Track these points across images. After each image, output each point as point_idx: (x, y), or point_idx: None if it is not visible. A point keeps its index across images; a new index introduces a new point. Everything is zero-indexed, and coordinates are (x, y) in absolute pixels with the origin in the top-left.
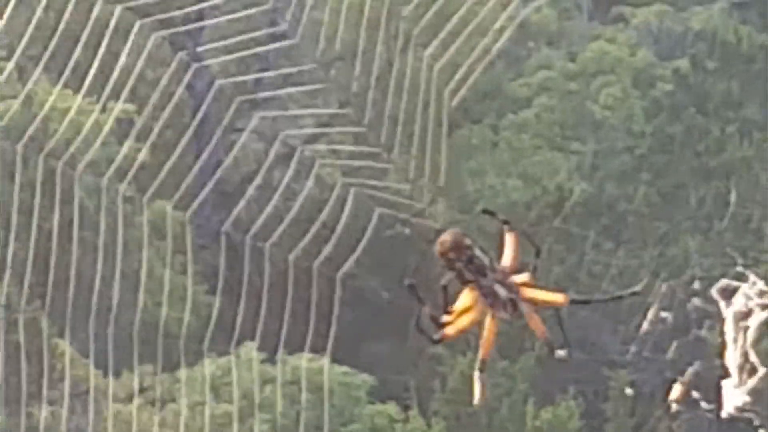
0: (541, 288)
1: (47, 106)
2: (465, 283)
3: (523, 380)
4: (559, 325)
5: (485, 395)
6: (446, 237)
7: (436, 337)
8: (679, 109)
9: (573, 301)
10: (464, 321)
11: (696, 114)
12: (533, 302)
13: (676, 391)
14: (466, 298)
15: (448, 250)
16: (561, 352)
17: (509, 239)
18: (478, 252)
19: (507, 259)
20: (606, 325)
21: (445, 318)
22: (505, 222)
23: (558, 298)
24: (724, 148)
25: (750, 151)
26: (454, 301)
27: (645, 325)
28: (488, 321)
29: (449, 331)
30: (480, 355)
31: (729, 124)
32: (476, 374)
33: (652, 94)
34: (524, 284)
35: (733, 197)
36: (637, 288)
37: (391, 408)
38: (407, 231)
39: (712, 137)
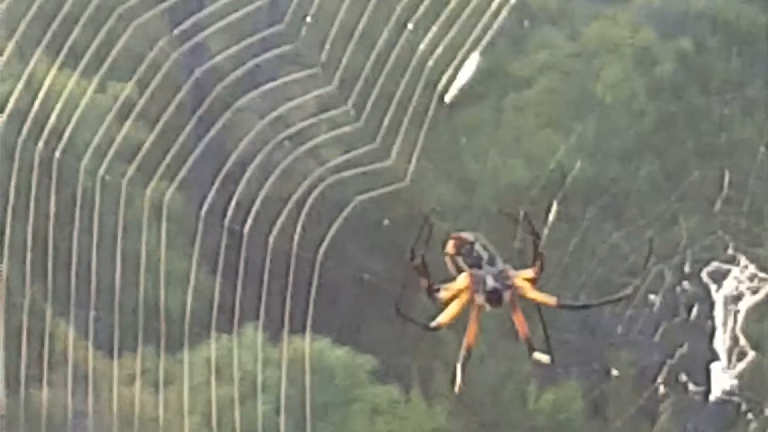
0: (537, 289)
1: (46, 86)
2: (460, 271)
3: (525, 361)
4: (543, 331)
5: (464, 384)
6: (450, 242)
7: (432, 324)
8: (680, 88)
9: (562, 306)
10: (455, 306)
11: (698, 94)
12: (525, 299)
13: (665, 373)
14: (461, 279)
15: (450, 248)
16: (543, 357)
17: (536, 267)
18: (478, 247)
19: (525, 272)
20: (607, 306)
21: (442, 294)
22: (527, 219)
23: (549, 300)
24: (726, 128)
25: (752, 130)
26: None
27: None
28: (473, 312)
29: (442, 319)
30: (464, 343)
31: (731, 104)
32: (459, 364)
33: (654, 74)
34: (525, 279)
35: (726, 179)
36: (628, 291)
37: (393, 389)
38: (386, 222)
39: (714, 117)
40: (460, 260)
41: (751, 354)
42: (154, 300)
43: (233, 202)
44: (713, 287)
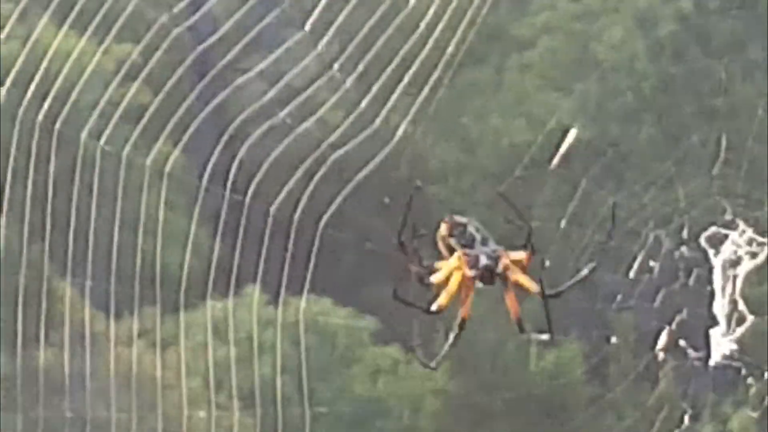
0: (525, 273)
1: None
2: (452, 253)
3: (526, 322)
4: (545, 311)
5: (443, 360)
6: (444, 225)
7: (433, 308)
8: (681, 49)
9: (543, 295)
10: (452, 285)
11: (699, 55)
12: (515, 282)
13: (663, 339)
14: (454, 259)
15: (443, 232)
16: (543, 335)
17: (528, 251)
18: (471, 228)
19: (516, 254)
20: (608, 267)
21: (434, 278)
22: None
23: (532, 286)
24: (727, 89)
25: (752, 92)
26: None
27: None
28: (464, 287)
29: (442, 300)
30: (460, 314)
31: (732, 65)
32: (452, 334)
33: (655, 35)
34: (516, 262)
35: (724, 142)
36: (585, 272)
37: (395, 350)
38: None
39: (715, 78)
40: (452, 241)
41: (750, 318)
42: (153, 261)
43: (234, 166)
44: (711, 252)
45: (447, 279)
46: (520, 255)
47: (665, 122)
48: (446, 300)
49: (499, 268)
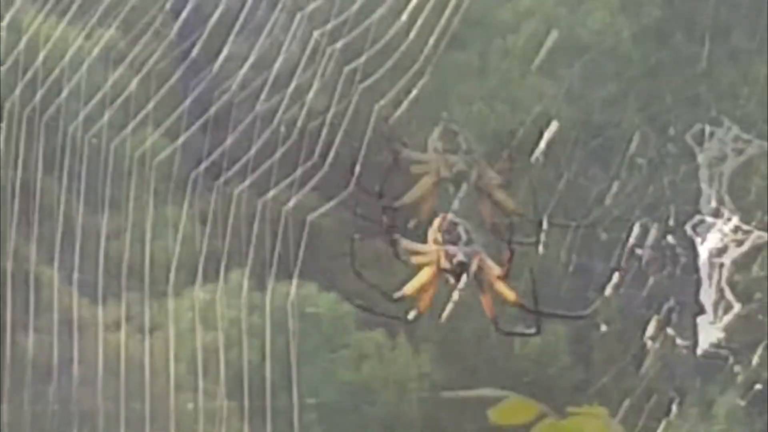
0: (503, 279)
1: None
2: (438, 245)
3: (511, 306)
4: (534, 301)
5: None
6: (438, 219)
7: (397, 295)
8: (666, 35)
9: (520, 305)
10: (422, 277)
11: (683, 40)
12: (490, 287)
13: (652, 327)
14: (434, 251)
15: (437, 226)
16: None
17: (505, 267)
18: (461, 228)
19: (495, 269)
20: (596, 250)
21: (414, 259)
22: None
23: (509, 294)
24: (711, 75)
25: (737, 77)
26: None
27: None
28: (433, 275)
29: (408, 289)
30: (420, 307)
31: (716, 51)
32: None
33: (640, 20)
34: (495, 276)
35: (708, 129)
36: (587, 312)
37: (379, 334)
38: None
39: (700, 64)
40: (440, 236)
41: (737, 306)
42: (141, 248)
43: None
44: (698, 240)
45: (423, 265)
46: (497, 271)
47: (650, 108)
48: (412, 290)
49: (473, 267)
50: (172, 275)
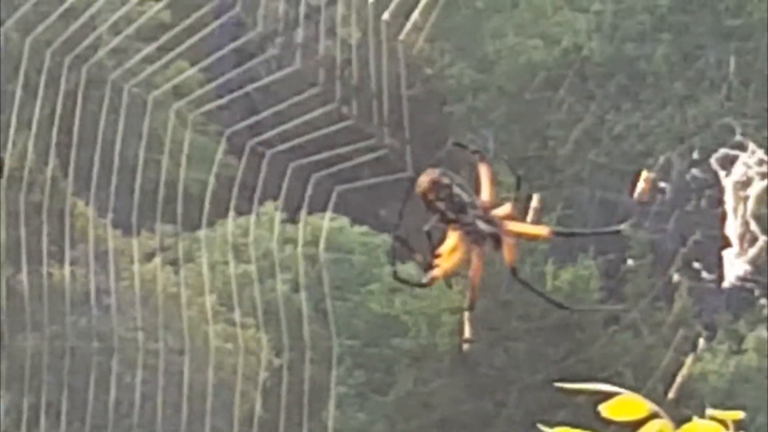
0: (522, 221)
1: None
2: (448, 222)
3: (542, 240)
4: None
5: (475, 335)
6: (422, 178)
7: (424, 280)
8: None
9: (556, 233)
10: (450, 261)
11: None
12: (517, 235)
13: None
14: (450, 239)
15: (426, 190)
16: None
17: (484, 171)
18: (457, 189)
19: (485, 194)
20: (625, 184)
21: (436, 262)
22: (476, 152)
23: (542, 230)
24: (744, 8)
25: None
26: (440, 244)
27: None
28: (474, 260)
29: (436, 272)
30: (469, 295)
31: None
32: (466, 314)
33: None
34: (507, 217)
35: (732, 65)
36: (621, 227)
37: (411, 268)
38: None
39: None
40: (441, 205)
41: (763, 239)
42: (174, 180)
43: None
44: (722, 174)
45: (451, 250)
46: (506, 209)
47: (680, 42)
48: (441, 274)
49: (502, 230)
50: (205, 208)
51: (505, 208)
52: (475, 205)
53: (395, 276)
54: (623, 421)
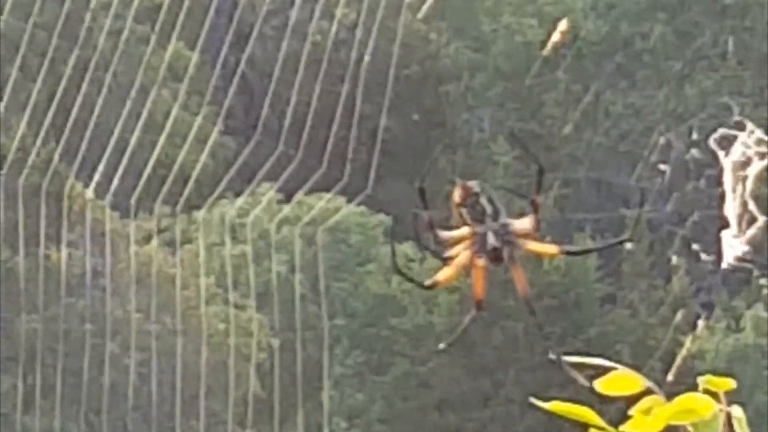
0: (539, 240)
1: None
2: (465, 223)
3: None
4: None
5: (449, 345)
6: (457, 190)
7: (428, 282)
8: None
9: (567, 252)
10: (454, 268)
11: None
12: (528, 252)
13: (677, 242)
14: (462, 232)
15: (456, 195)
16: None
17: (533, 218)
18: (483, 199)
19: (522, 224)
20: (623, 164)
21: (448, 254)
22: (533, 201)
23: (551, 249)
24: None
25: None
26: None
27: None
28: (474, 269)
29: (439, 277)
30: (475, 298)
31: None
32: (472, 311)
33: None
34: (524, 234)
35: (730, 44)
36: (627, 237)
37: (408, 248)
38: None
39: None
40: (464, 211)
41: (761, 219)
42: (171, 160)
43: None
44: (721, 154)
45: (458, 240)
46: (525, 224)
47: (677, 21)
48: (444, 278)
49: (505, 253)
50: (202, 189)
51: (524, 223)
52: (496, 218)
53: (397, 270)
54: (617, 396)
